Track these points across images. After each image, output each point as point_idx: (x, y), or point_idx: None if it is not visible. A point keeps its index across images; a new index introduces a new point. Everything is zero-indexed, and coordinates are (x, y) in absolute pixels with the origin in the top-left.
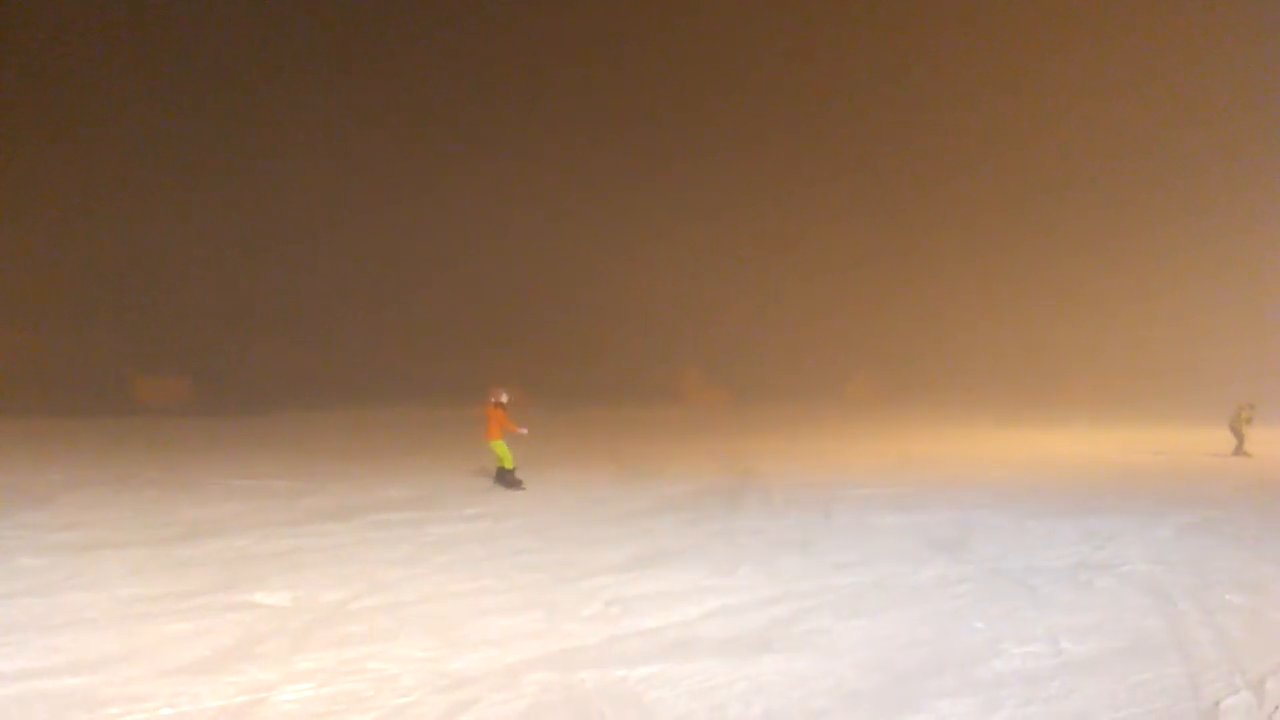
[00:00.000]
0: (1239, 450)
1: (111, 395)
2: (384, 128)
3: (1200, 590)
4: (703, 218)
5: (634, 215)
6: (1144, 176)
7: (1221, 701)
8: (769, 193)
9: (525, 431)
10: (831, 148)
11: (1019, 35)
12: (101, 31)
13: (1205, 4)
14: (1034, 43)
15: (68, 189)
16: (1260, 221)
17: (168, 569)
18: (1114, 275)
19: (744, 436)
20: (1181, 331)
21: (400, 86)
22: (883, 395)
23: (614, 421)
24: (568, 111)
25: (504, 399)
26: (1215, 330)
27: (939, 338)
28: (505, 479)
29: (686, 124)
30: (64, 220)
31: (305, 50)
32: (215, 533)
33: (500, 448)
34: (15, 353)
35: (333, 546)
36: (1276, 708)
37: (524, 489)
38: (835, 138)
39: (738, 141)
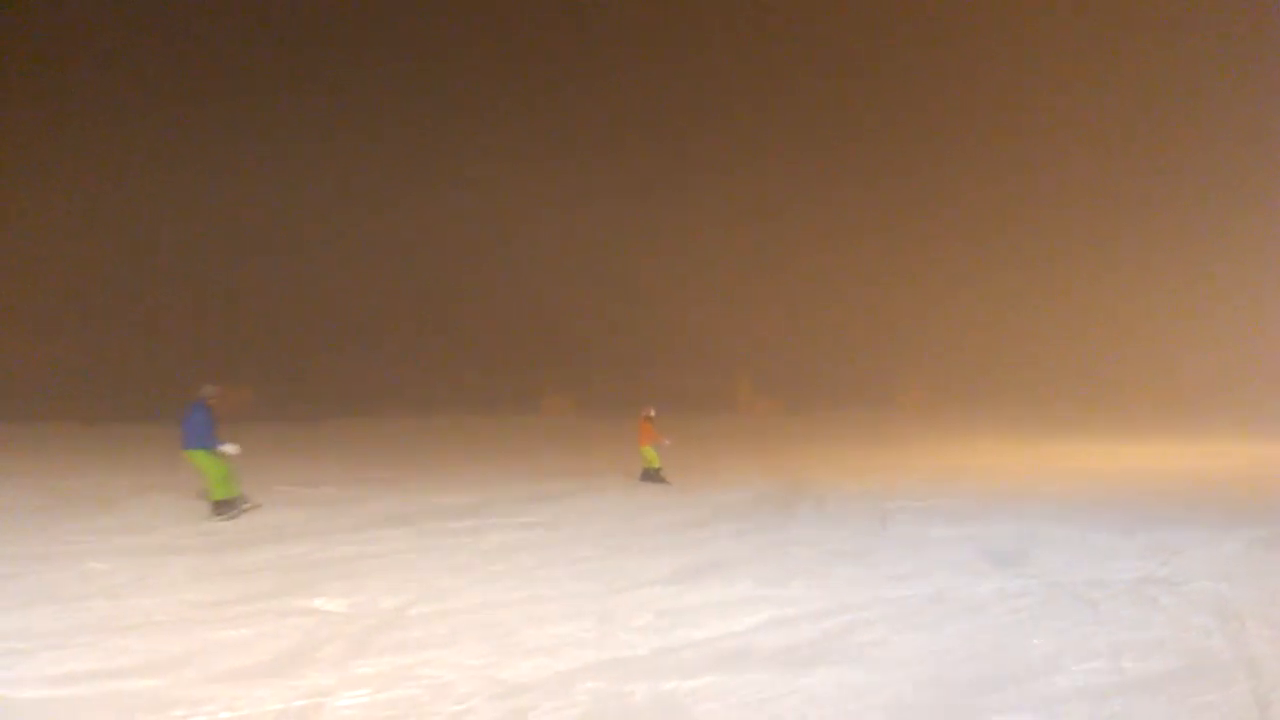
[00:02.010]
0: None
1: (178, 402)
2: (442, 137)
3: (1268, 608)
4: (755, 223)
5: (684, 222)
6: (1219, 182)
7: None
8: (822, 199)
9: (669, 442)
10: (883, 154)
11: (1060, 38)
12: (138, 34)
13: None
14: (1073, 46)
15: (137, 201)
16: None
17: (230, 574)
18: (1185, 281)
19: (796, 446)
20: (1254, 340)
21: (456, 98)
22: (939, 405)
23: (664, 430)
24: (621, 120)
25: (652, 413)
26: None
27: (997, 347)
28: (651, 477)
29: (737, 131)
30: (136, 232)
31: (358, 56)
32: (276, 539)
33: (649, 452)
34: (86, 361)
35: (390, 553)
36: None
37: (669, 484)
38: (886, 144)
39: (791, 148)
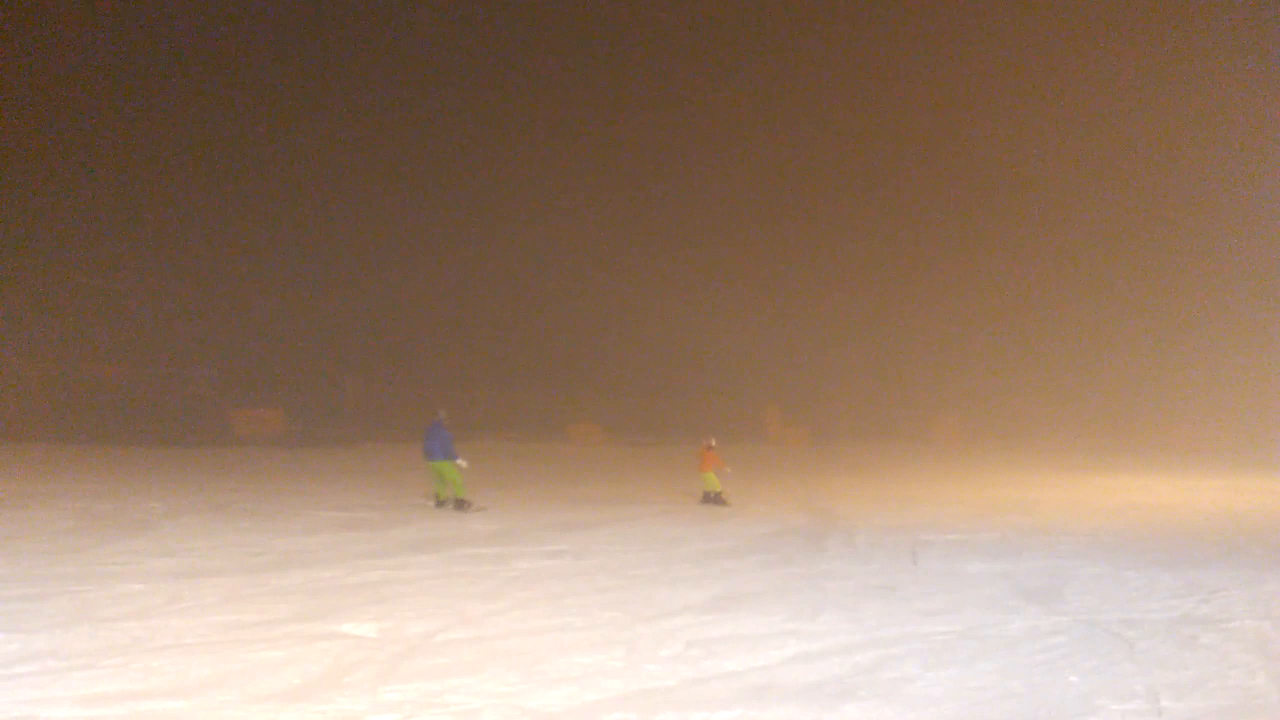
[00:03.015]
0: None
1: (209, 426)
2: (470, 165)
3: None
4: (790, 254)
5: (717, 253)
6: (1251, 215)
7: None
8: (859, 233)
9: (730, 471)
10: (920, 191)
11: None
12: (194, 56)
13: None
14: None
15: (161, 226)
16: None
17: (261, 597)
18: (1219, 315)
19: (825, 477)
20: None
21: (472, 121)
22: (972, 438)
23: (693, 460)
24: (653, 148)
25: (713, 443)
26: None
27: (1030, 380)
28: (713, 500)
29: (774, 161)
30: (161, 258)
31: (367, 78)
32: (306, 563)
33: (710, 478)
34: (118, 385)
35: (419, 579)
36: None
37: (729, 505)
38: (925, 181)
39: (830, 181)
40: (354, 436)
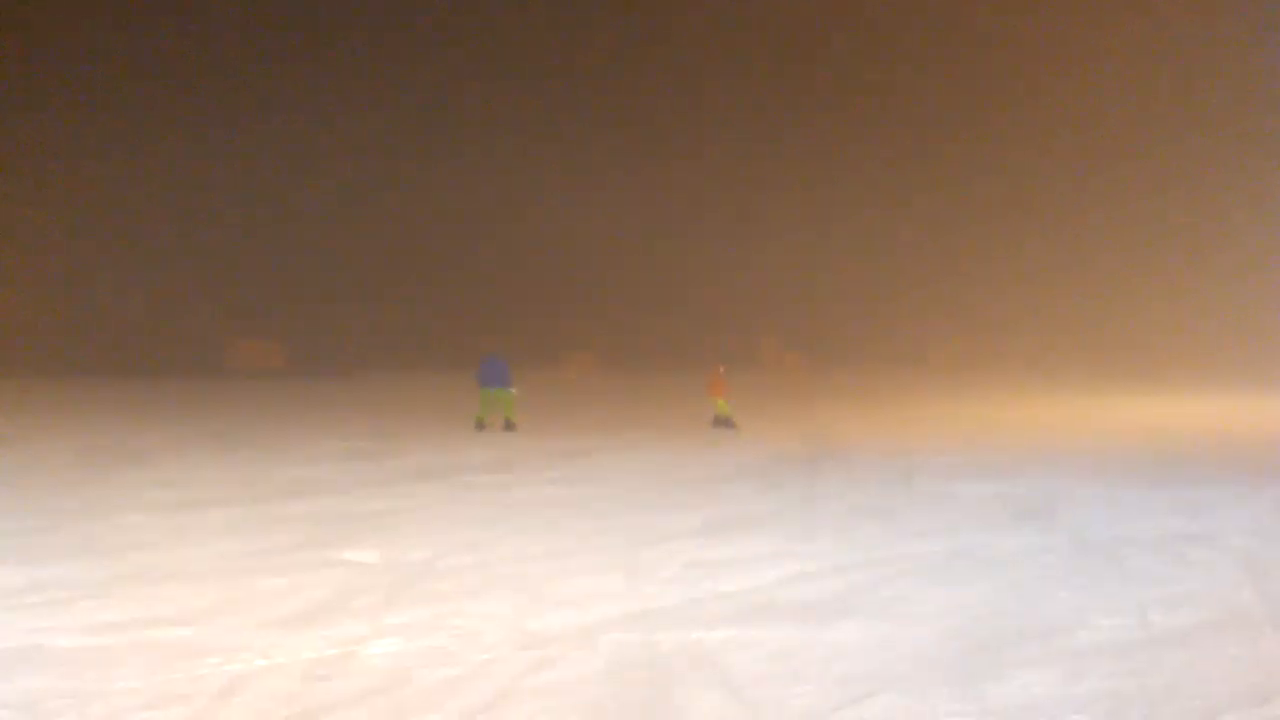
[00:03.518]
0: None
1: (206, 357)
2: (463, 84)
3: None
4: (784, 181)
5: (710, 180)
6: (1234, 137)
7: None
8: (853, 159)
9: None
10: (916, 120)
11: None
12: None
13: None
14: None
15: (159, 157)
16: None
17: (264, 526)
18: (1211, 237)
19: (822, 402)
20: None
21: (456, 71)
22: (969, 361)
23: (690, 386)
24: (639, 79)
25: (723, 369)
26: None
27: (1027, 303)
28: (723, 423)
29: (764, 88)
30: (152, 191)
31: (351, 43)
32: (307, 493)
33: (721, 403)
34: (108, 316)
35: (420, 507)
36: None
37: (739, 429)
38: (921, 109)
39: (822, 109)
40: (353, 367)
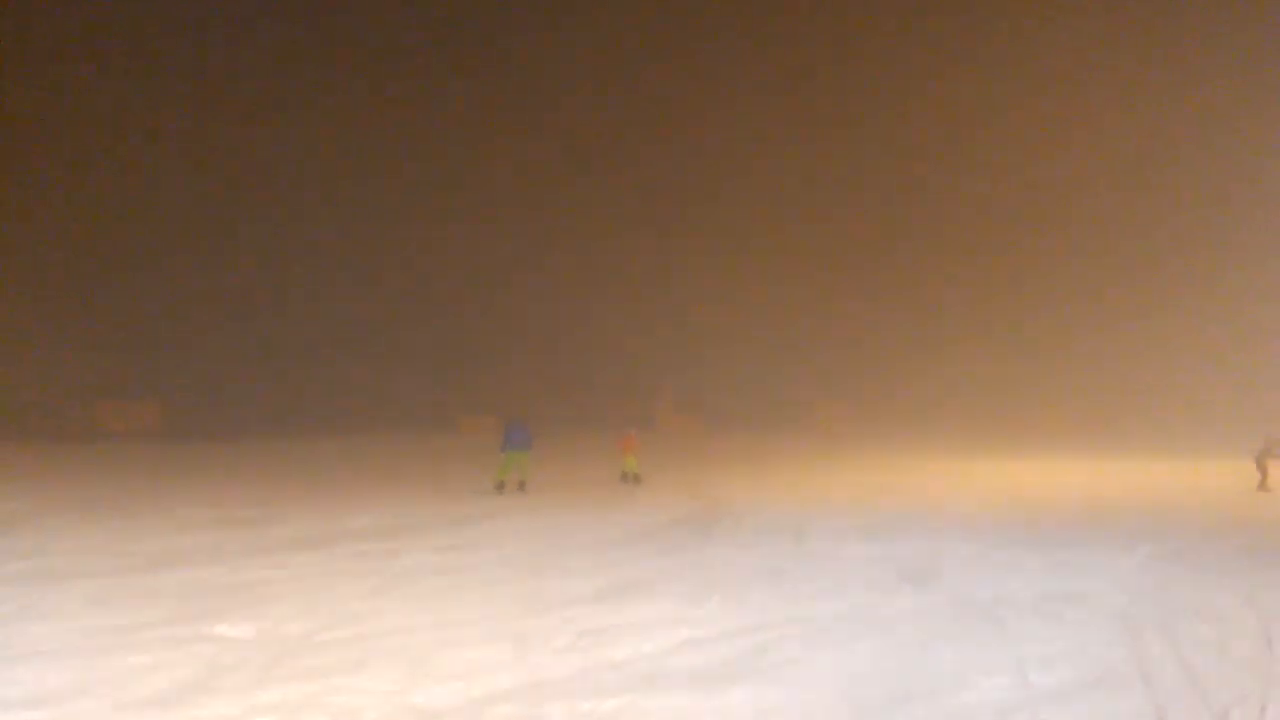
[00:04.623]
0: (1263, 485)
1: (75, 420)
2: (356, 161)
3: (1165, 620)
4: (677, 246)
5: (603, 244)
6: (1124, 202)
7: None
8: (739, 224)
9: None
10: (800, 185)
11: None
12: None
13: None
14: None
15: (24, 203)
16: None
17: (130, 600)
18: (1096, 303)
19: (715, 465)
20: (1174, 362)
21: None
22: (855, 426)
23: (585, 450)
24: (547, 133)
25: (633, 431)
26: (1212, 359)
27: (913, 369)
28: (630, 479)
29: (661, 153)
30: (21, 246)
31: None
32: (180, 563)
33: (630, 461)
34: None
35: (299, 578)
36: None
37: (640, 484)
38: (808, 171)
39: (712, 169)
40: (231, 432)
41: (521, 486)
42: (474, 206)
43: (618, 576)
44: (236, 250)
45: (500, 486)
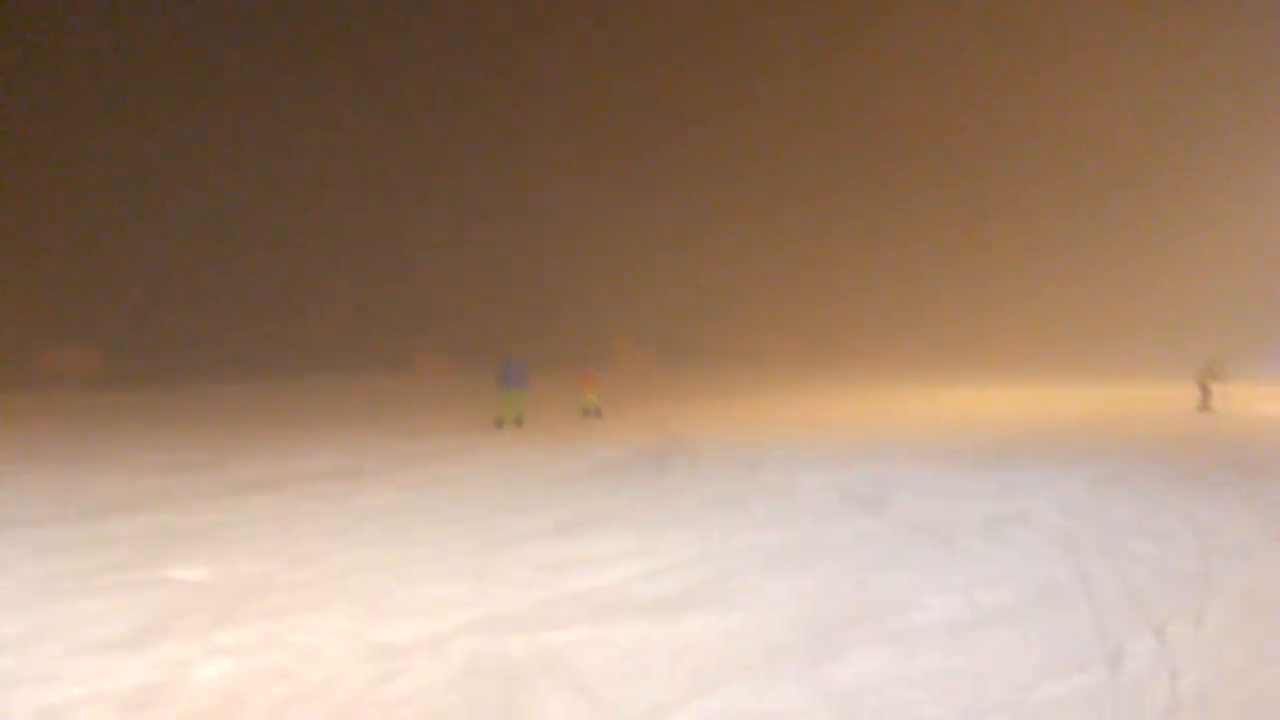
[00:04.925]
0: (1205, 405)
1: (14, 367)
2: (313, 107)
3: (1106, 540)
4: (627, 180)
5: (557, 183)
6: (1072, 130)
7: (1126, 646)
8: (696, 164)
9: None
10: (758, 123)
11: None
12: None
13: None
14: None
15: None
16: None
17: (80, 547)
18: (1047, 233)
19: (671, 400)
20: (1122, 287)
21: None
22: (808, 359)
23: (542, 389)
24: (495, 79)
25: (590, 370)
26: (1158, 286)
27: (865, 301)
28: (591, 412)
29: (619, 96)
30: None
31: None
32: (130, 509)
33: (590, 396)
34: None
35: (255, 520)
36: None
37: (600, 417)
38: (765, 113)
39: (670, 117)
40: (176, 376)
41: (519, 423)
42: (429, 150)
43: (577, 510)
44: (183, 192)
45: (499, 424)
